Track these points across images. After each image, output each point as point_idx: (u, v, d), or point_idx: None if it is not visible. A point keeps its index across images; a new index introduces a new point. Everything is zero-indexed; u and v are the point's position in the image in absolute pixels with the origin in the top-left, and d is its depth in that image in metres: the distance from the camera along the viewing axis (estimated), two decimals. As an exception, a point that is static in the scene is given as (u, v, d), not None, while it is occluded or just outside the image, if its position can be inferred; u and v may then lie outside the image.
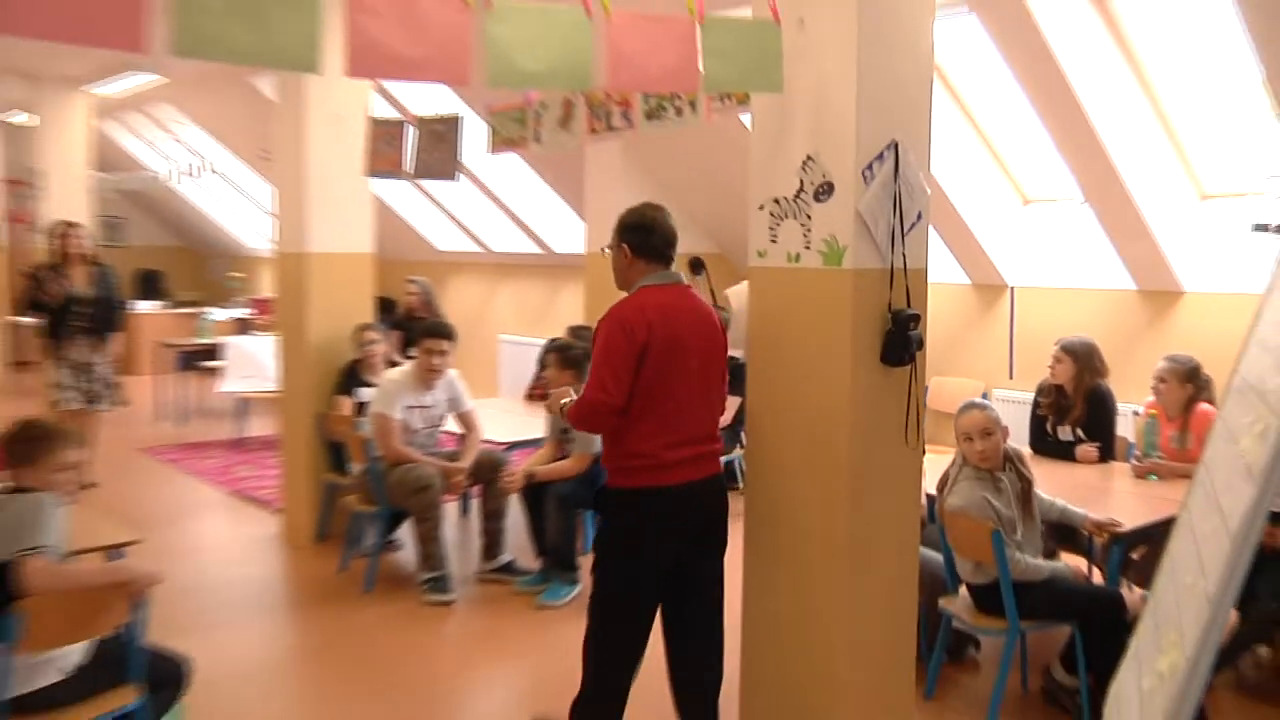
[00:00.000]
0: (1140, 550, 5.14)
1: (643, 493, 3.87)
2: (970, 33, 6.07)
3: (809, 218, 3.87)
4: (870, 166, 3.80)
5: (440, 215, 12.02)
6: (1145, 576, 5.08)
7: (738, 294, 7.78)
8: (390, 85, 9.49)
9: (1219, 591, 2.28)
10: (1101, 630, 4.44)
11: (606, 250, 4.16)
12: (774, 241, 4.01)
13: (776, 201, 3.99)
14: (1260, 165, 6.21)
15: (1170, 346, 6.03)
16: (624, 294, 4.02)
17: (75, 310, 7.72)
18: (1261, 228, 3.02)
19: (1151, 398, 5.61)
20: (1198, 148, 6.39)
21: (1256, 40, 5.15)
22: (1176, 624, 2.53)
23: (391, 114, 6.65)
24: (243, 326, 12.39)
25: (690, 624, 4.05)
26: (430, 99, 9.65)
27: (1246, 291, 6.22)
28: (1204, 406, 5.45)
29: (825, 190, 3.84)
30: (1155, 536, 4.88)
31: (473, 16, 3.13)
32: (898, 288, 3.91)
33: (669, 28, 3.58)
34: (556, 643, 5.37)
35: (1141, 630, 3.04)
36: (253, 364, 10.30)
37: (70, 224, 8.03)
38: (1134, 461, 5.55)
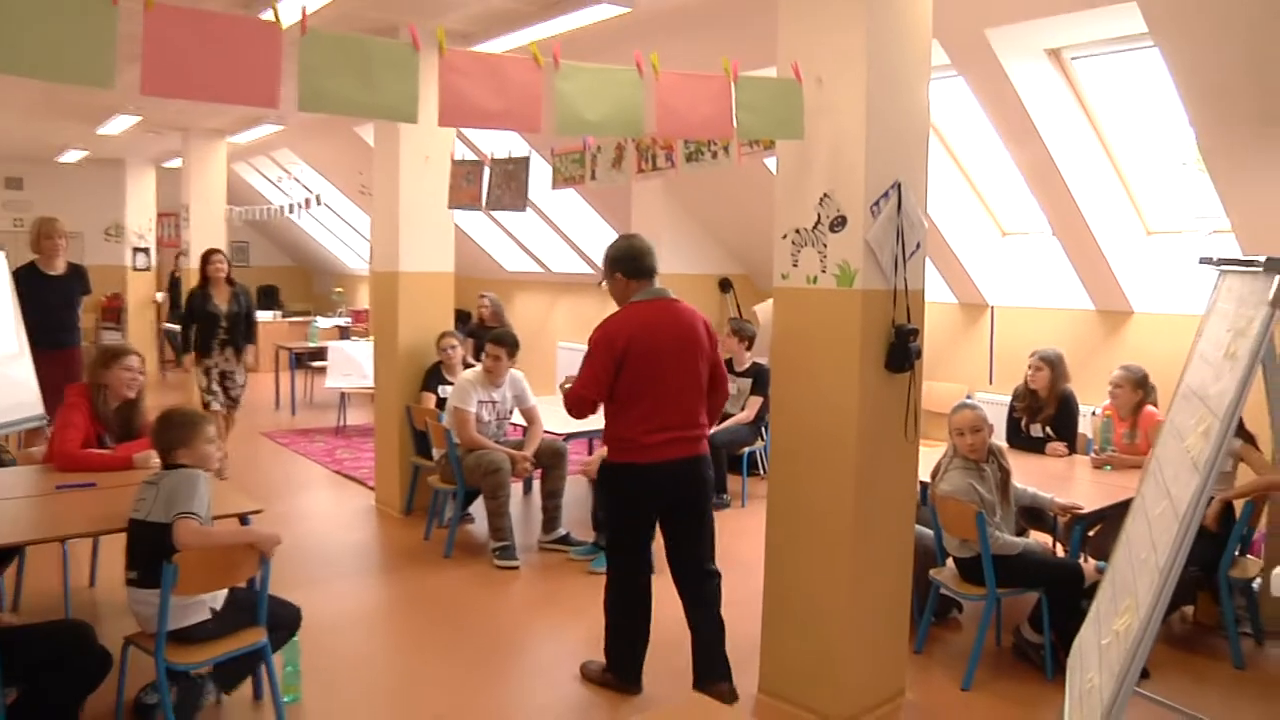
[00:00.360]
0: (1097, 529, 5.09)
1: (629, 467, 4.11)
2: (959, 92, 6.04)
3: (825, 246, 3.86)
4: (877, 203, 3.79)
5: (508, 240, 12.05)
6: (1101, 551, 5.04)
7: (764, 310, 7.75)
8: (470, 131, 9.54)
9: (1167, 564, 2.27)
10: (1064, 596, 4.42)
11: (603, 285, 4.36)
12: (795, 265, 4.00)
13: (798, 231, 3.98)
14: (1192, 208, 6.18)
15: (1122, 358, 5.96)
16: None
17: (219, 325, 7.76)
18: (1206, 260, 2.98)
19: (1107, 401, 5.56)
20: (1144, 191, 6.34)
21: (1189, 108, 5.13)
22: (1132, 591, 2.51)
23: (470, 156, 6.65)
24: (344, 333, 12.45)
25: (688, 585, 4.23)
26: (502, 142, 9.70)
27: (1186, 313, 6.16)
28: (1150, 409, 5.42)
29: (839, 223, 3.82)
30: (1109, 517, 4.85)
31: (544, 76, 3.15)
32: (900, 306, 3.89)
33: (708, 84, 3.58)
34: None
35: (1101, 596, 3.02)
36: (352, 364, 10.35)
37: (214, 251, 8.04)
38: (1093, 455, 5.51)
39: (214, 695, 3.87)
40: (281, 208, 11.47)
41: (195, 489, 3.50)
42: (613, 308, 4.26)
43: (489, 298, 9.25)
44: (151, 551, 3.39)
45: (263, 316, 15.07)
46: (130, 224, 14.42)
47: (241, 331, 7.95)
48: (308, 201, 10.91)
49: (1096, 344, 6.78)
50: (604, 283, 4.33)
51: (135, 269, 14.40)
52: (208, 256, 7.94)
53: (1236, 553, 4.74)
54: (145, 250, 14.48)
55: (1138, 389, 5.43)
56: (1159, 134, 5.99)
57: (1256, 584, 4.83)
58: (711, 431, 5.83)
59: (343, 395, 10.56)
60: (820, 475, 3.91)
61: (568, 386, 4.33)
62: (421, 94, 2.87)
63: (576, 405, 4.15)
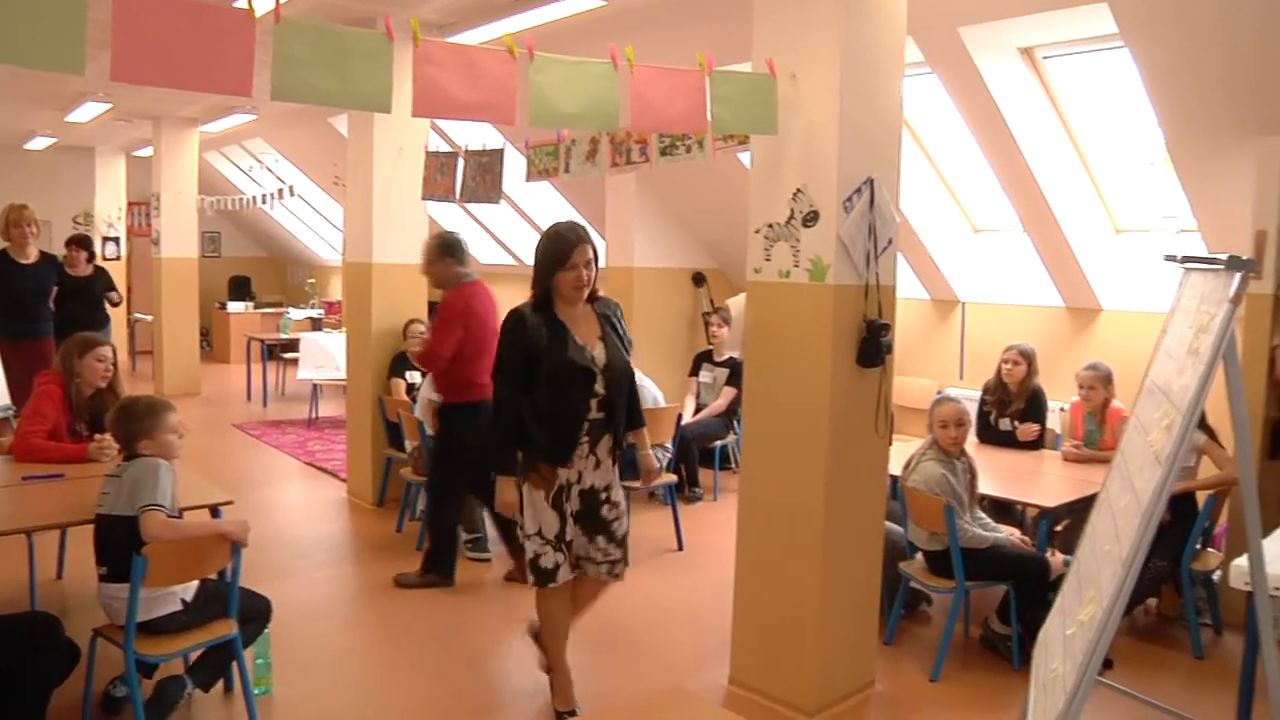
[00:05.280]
0: (1065, 523, 5.14)
1: (470, 404, 5.28)
2: (932, 90, 6.07)
3: (798, 240, 3.88)
4: (850, 199, 3.80)
5: (482, 232, 12.01)
6: (1068, 545, 5.09)
7: (737, 303, 7.77)
8: (444, 122, 9.50)
9: (1130, 556, 2.30)
10: (1030, 589, 4.47)
11: (429, 266, 5.47)
12: (768, 260, 4.01)
13: (771, 226, 4.00)
14: (1159, 207, 6.25)
15: (1091, 355, 6.03)
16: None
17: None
18: (1171, 258, 3.02)
19: (1075, 397, 5.61)
20: (1113, 190, 6.40)
21: (1159, 110, 5.19)
22: (1095, 582, 2.55)
23: (444, 147, 6.63)
24: (316, 324, 12.39)
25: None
26: (477, 135, 9.66)
27: (1152, 310, 6.24)
28: (1116, 404, 5.48)
29: (812, 218, 3.84)
30: (1077, 512, 4.90)
31: (518, 68, 3.14)
32: (871, 301, 3.92)
33: (682, 79, 3.59)
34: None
35: (1066, 588, 3.06)
36: (324, 355, 10.30)
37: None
38: (1062, 449, 5.57)
39: (191, 693, 3.83)
40: (254, 198, 11.38)
41: (158, 480, 3.46)
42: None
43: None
44: (120, 546, 3.36)
45: (234, 307, 15.06)
46: (100, 212, 14.28)
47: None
48: (281, 192, 10.82)
49: (1065, 340, 6.85)
50: (432, 265, 5.42)
51: (105, 258, 14.24)
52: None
53: (1199, 546, 4.81)
54: (115, 239, 14.35)
55: (1107, 386, 5.50)
56: (1128, 134, 6.05)
57: (1217, 576, 4.90)
58: (684, 423, 6.25)
59: (315, 387, 10.51)
60: (792, 469, 3.93)
61: (418, 349, 5.50)
62: (396, 85, 2.86)
63: (433, 361, 5.27)
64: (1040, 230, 6.43)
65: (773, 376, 4.01)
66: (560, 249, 3.70)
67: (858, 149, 3.82)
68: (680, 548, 6.15)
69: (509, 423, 3.68)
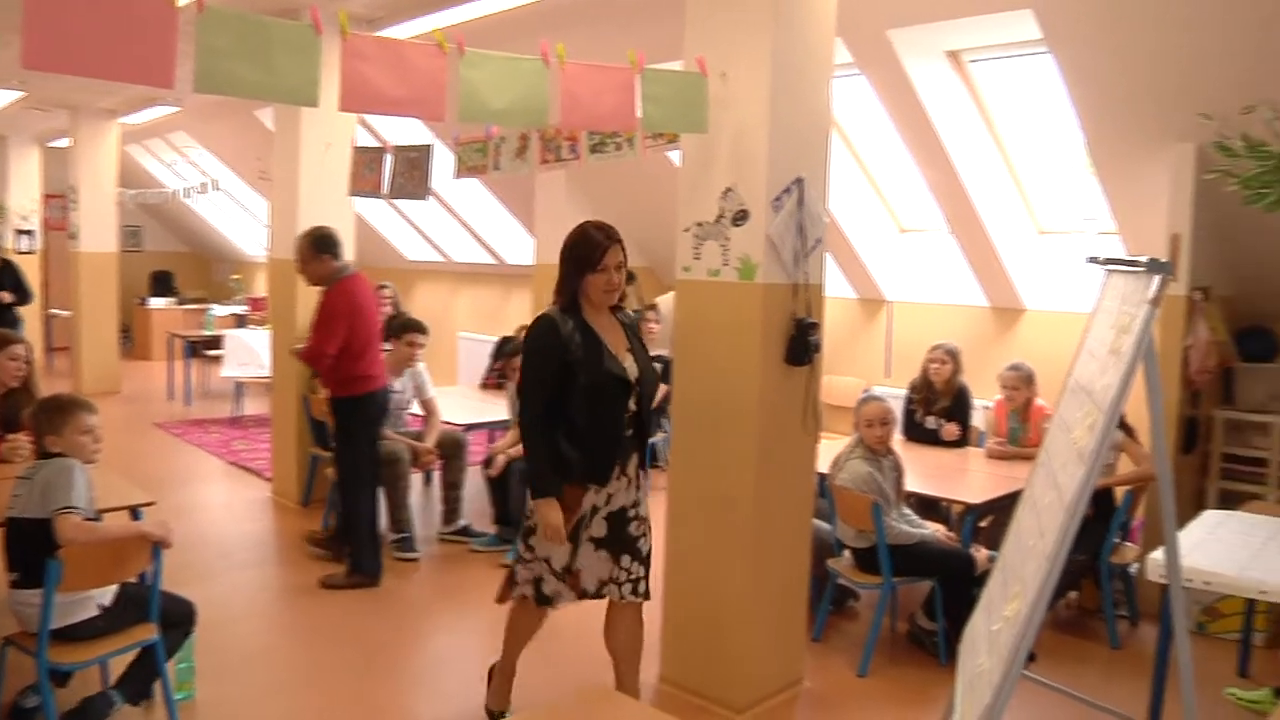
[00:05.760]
0: (988, 520, 5.22)
1: (366, 396, 5.33)
2: (860, 90, 6.12)
3: (727, 239, 3.89)
4: (779, 198, 3.82)
5: (409, 229, 11.88)
6: (993, 541, 5.17)
7: (666, 302, 7.78)
8: (372, 118, 9.36)
9: (1055, 551, 2.34)
10: (956, 585, 4.54)
11: (304, 264, 5.35)
12: (697, 259, 4.01)
13: (700, 225, 4.00)
14: (1080, 209, 6.38)
15: (1014, 354, 6.15)
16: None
17: None
18: (1094, 260, 3.08)
19: (999, 396, 5.71)
20: (1036, 192, 6.51)
21: (1081, 115, 5.30)
22: (1020, 577, 2.58)
23: (373, 143, 6.53)
24: (241, 321, 12.14)
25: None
26: (405, 131, 9.53)
27: (1073, 310, 6.38)
28: (1039, 402, 5.59)
29: (741, 217, 3.85)
30: (1000, 508, 4.98)
31: (448, 63, 3.10)
32: (800, 300, 3.94)
33: (613, 76, 3.58)
34: (506, 591, 5.35)
35: (991, 584, 3.10)
36: (249, 353, 10.11)
37: None
38: (991, 446, 5.65)
39: (119, 708, 3.70)
40: (177, 191, 11.11)
41: (72, 481, 3.35)
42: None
43: (389, 287, 9.08)
44: (33, 550, 3.25)
45: (156, 303, 14.71)
46: (13, 205, 13.83)
47: None
48: (205, 186, 10.58)
49: (989, 339, 6.96)
50: (307, 264, 5.32)
51: (19, 252, 13.81)
52: None
53: (1117, 540, 4.92)
54: (29, 233, 13.90)
55: (1031, 385, 5.61)
56: (1051, 137, 6.16)
57: (1134, 569, 5.02)
58: None
59: (239, 385, 10.30)
60: (720, 466, 3.94)
61: (299, 348, 5.44)
62: (323, 79, 2.80)
63: (319, 359, 5.22)
64: (965, 231, 6.52)
65: (701, 375, 4.02)
66: (590, 250, 3.42)
67: (787, 148, 3.84)
68: (610, 546, 6.13)
69: (543, 440, 3.38)
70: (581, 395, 3.34)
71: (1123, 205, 5.65)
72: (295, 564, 5.74)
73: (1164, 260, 2.32)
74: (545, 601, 3.59)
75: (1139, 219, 5.58)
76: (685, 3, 3.99)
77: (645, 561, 3.63)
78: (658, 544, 4.26)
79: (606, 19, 6.30)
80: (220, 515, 6.80)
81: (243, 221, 15.22)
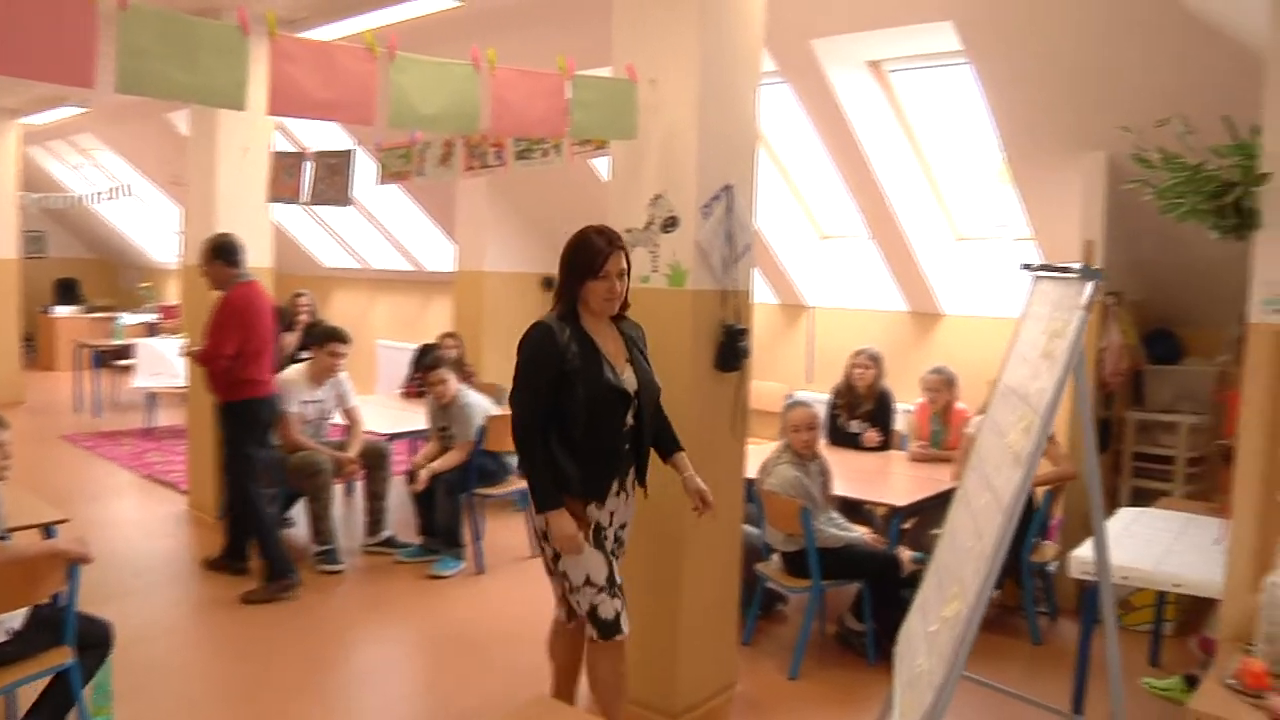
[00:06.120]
0: (912, 521, 5.29)
1: (259, 400, 5.39)
2: (783, 98, 6.17)
3: (657, 246, 3.88)
4: (708, 204, 3.83)
5: (326, 235, 11.68)
6: (915, 542, 5.26)
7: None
8: (291, 123, 9.18)
9: (993, 552, 2.37)
10: (883, 586, 4.59)
11: (204, 268, 5.40)
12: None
13: (629, 231, 3.97)
14: (996, 216, 6.53)
15: (933, 358, 6.25)
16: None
17: None
18: (1027, 267, 3.15)
19: (920, 399, 5.80)
20: (954, 199, 6.63)
21: (999, 124, 5.43)
22: (958, 579, 2.61)
23: (291, 148, 6.41)
24: (153, 329, 11.80)
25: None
26: (325, 136, 9.37)
27: (990, 315, 6.52)
28: (959, 405, 5.69)
29: (671, 223, 3.84)
30: (923, 510, 5.06)
31: (379, 67, 3.04)
32: (729, 306, 3.95)
33: (543, 81, 3.56)
34: (435, 605, 5.29)
35: (926, 586, 3.13)
36: (162, 362, 9.82)
37: None
38: (914, 449, 5.73)
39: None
40: (83, 196, 10.74)
41: None
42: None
43: (308, 295, 8.91)
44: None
45: (61, 312, 14.23)
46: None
47: None
48: (116, 190, 10.25)
49: (909, 344, 7.07)
50: (206, 268, 5.38)
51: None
52: None
53: (1036, 539, 5.03)
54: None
55: (952, 389, 5.72)
56: (968, 146, 6.28)
57: (1053, 567, 5.14)
58: None
59: (151, 395, 10.00)
60: (650, 472, 3.91)
61: (195, 349, 5.48)
62: (248, 81, 2.72)
63: (215, 361, 5.23)
64: (885, 237, 6.61)
65: (634, 381, 3.99)
66: (591, 256, 3.24)
67: (716, 155, 3.84)
68: (536, 554, 6.06)
69: (541, 453, 3.20)
70: (579, 407, 3.17)
71: (1039, 212, 5.79)
72: (214, 579, 5.57)
73: (1096, 267, 2.38)
74: (612, 629, 3.30)
75: (1054, 226, 5.72)
76: (613, 8, 3.98)
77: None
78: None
79: (532, 25, 6.26)
80: (134, 531, 6.58)
81: (152, 227, 14.80)
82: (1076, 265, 2.46)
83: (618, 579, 3.32)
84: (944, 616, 2.52)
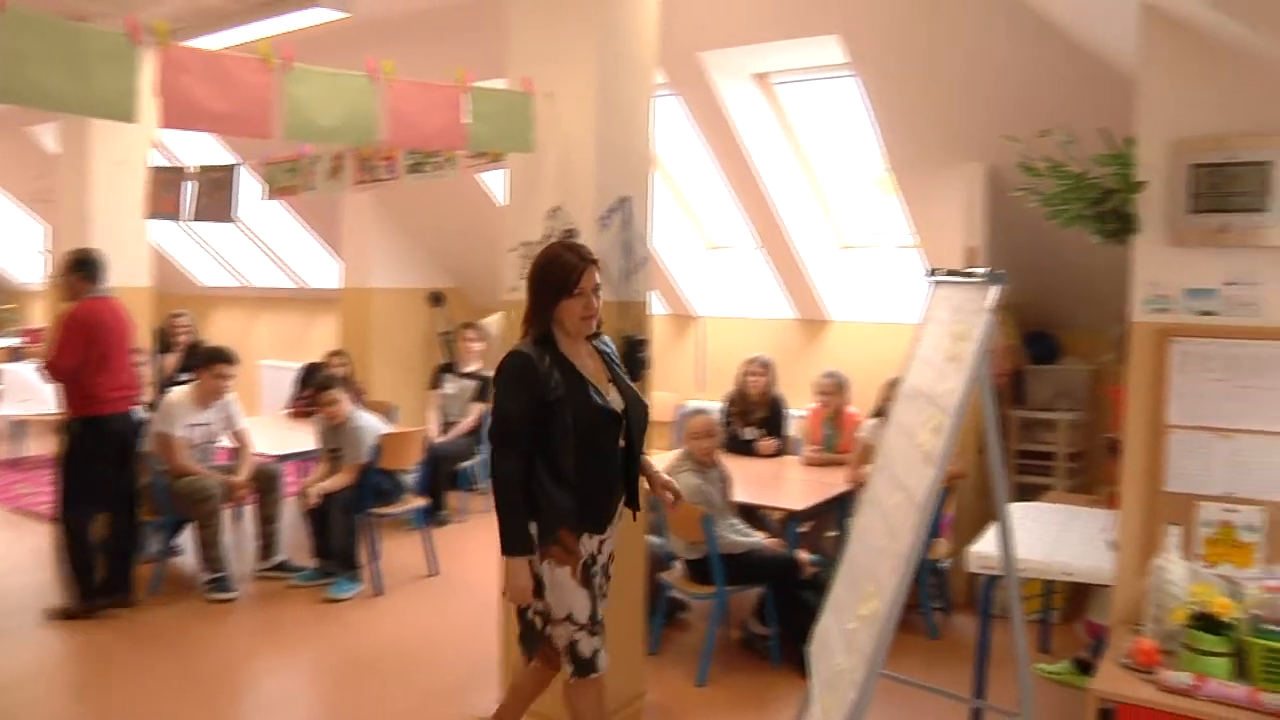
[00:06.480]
0: (808, 525, 5.38)
1: (96, 419, 5.21)
2: (672, 110, 6.22)
3: (556, 258, 3.84)
4: (606, 216, 3.84)
5: (204, 253, 11.30)
6: (813, 545, 5.35)
7: (494, 322, 7.69)
8: (168, 136, 8.85)
9: (909, 550, 2.42)
10: (784, 588, 4.65)
11: (60, 280, 5.36)
12: (523, 278, 3.94)
13: (526, 244, 3.96)
14: (879, 224, 6.70)
15: (822, 364, 6.36)
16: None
17: None
18: (931, 273, 3.24)
19: (812, 404, 5.90)
20: (839, 209, 6.78)
21: (884, 135, 5.59)
22: (874, 578, 2.66)
23: (165, 163, 6.18)
24: (16, 354, 11.22)
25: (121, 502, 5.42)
26: (202, 150, 9.07)
27: (875, 321, 6.69)
28: (850, 409, 5.81)
29: (569, 236, 3.82)
30: (819, 513, 5.15)
31: (274, 78, 2.96)
32: (629, 318, 3.95)
33: (440, 94, 3.52)
34: (332, 628, 5.15)
35: (838, 587, 3.18)
36: (28, 389, 9.32)
37: None
38: (808, 453, 5.83)
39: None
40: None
41: None
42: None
43: (187, 315, 8.59)
44: None
45: (-87, 337, 13.39)
46: None
47: None
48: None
49: (798, 351, 7.19)
50: (61, 281, 5.33)
51: None
52: None
53: (930, 536, 5.16)
54: None
55: (845, 393, 5.83)
56: (853, 156, 6.43)
57: (946, 564, 5.28)
58: (436, 443, 6.06)
59: (18, 424, 9.50)
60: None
61: (39, 361, 5.36)
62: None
63: (57, 371, 5.13)
64: (773, 246, 6.72)
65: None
66: (564, 274, 3.06)
67: (613, 167, 3.85)
68: (435, 573, 5.99)
69: (521, 496, 3.01)
70: (569, 436, 3.00)
71: (922, 220, 5.96)
72: (96, 616, 5.29)
73: (999, 271, 2.46)
74: (588, 667, 3.17)
75: (937, 233, 5.89)
76: (509, 19, 3.96)
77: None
78: (490, 569, 4.18)
79: (421, 37, 6.19)
80: (1, 567, 6.22)
81: (12, 246, 14.08)
82: (981, 270, 2.54)
83: (599, 617, 3.18)
84: (861, 615, 2.57)
